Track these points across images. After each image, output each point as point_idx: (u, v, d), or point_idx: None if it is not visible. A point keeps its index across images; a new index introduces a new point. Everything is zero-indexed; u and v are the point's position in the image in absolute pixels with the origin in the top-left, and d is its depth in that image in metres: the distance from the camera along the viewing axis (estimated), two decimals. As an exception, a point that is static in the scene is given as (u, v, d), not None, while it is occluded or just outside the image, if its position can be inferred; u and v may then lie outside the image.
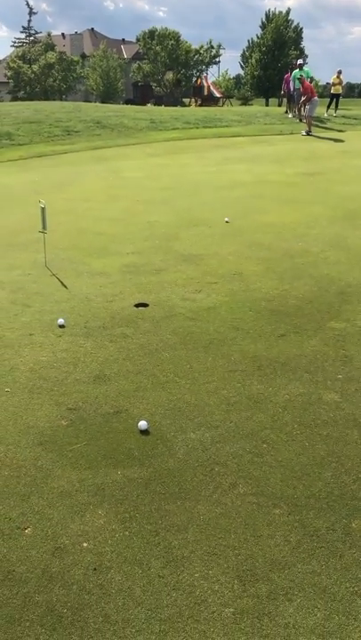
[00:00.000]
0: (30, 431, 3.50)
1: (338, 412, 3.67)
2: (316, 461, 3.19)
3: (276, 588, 2.39)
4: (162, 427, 3.53)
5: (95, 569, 2.50)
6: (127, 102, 50.15)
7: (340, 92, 23.21)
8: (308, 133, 18.96)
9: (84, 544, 2.64)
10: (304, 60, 44.33)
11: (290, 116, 22.20)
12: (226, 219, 7.09)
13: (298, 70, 20.03)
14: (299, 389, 3.93)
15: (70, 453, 3.29)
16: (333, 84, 23.06)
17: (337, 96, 23.12)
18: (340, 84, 23.04)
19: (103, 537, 2.68)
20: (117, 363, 4.34)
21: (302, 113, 20.14)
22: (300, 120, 21.16)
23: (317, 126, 20.11)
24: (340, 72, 22.82)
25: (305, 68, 19.52)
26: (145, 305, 5.47)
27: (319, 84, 54.72)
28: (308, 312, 5.21)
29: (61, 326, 4.99)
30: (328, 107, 23.37)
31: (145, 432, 3.47)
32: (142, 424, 3.49)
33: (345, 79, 24.37)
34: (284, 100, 23.56)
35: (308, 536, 2.66)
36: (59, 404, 3.79)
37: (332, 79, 23.20)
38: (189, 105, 53.74)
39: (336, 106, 23.27)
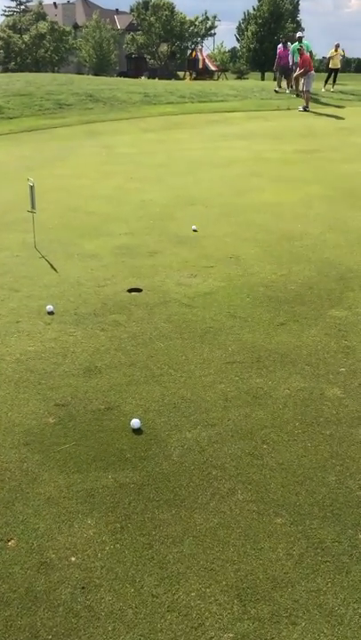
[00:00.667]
0: (15, 429, 3.29)
1: (341, 409, 3.47)
2: (320, 464, 3.01)
3: (278, 609, 2.22)
4: (156, 425, 3.33)
5: (83, 587, 2.32)
6: (120, 75, 49.06)
7: (338, 66, 22.61)
8: (306, 109, 18.51)
9: (72, 558, 2.45)
10: (296, 34, 43.44)
11: (287, 91, 21.60)
12: (193, 227, 6.72)
13: (297, 43, 19.44)
14: (300, 384, 3.74)
15: (58, 455, 3.09)
16: (331, 58, 22.46)
17: (335, 71, 22.56)
18: (338, 58, 22.45)
19: (92, 550, 2.49)
20: (109, 354, 4.12)
21: (299, 88, 19.65)
22: (297, 95, 20.67)
23: (315, 102, 19.65)
24: (337, 46, 22.20)
25: (304, 41, 18.93)
26: (138, 290, 5.23)
27: (315, 58, 53.67)
28: (307, 299, 5.00)
29: (50, 313, 4.75)
30: (326, 82, 22.81)
31: (138, 431, 3.27)
32: (135, 422, 3.29)
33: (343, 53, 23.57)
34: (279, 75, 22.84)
35: (313, 549, 2.48)
36: (46, 400, 3.58)
37: (329, 53, 22.59)
38: (184, 78, 52.75)
39: (334, 81, 22.72)
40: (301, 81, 18.53)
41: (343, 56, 23.16)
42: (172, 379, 3.80)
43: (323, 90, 22.23)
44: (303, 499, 2.77)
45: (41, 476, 2.93)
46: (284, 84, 22.27)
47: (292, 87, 21.45)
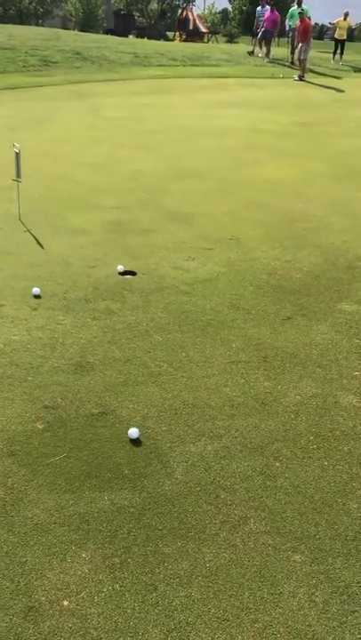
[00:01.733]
0: (-1, 437, 2.93)
1: (358, 420, 3.18)
2: (339, 487, 2.71)
3: (303, 672, 1.94)
4: (156, 435, 2.99)
5: (79, 641, 2.00)
6: (107, 32, 47.07)
7: (345, 37, 21.51)
8: (302, 78, 17.92)
9: (65, 602, 2.13)
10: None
11: (265, 60, 20.61)
12: (119, 267, 4.76)
13: (296, 7, 18.60)
14: (312, 389, 3.42)
15: (47, 469, 2.74)
16: (339, 27, 21.22)
17: (342, 42, 21.48)
18: (345, 27, 21.29)
19: (88, 592, 2.17)
20: (102, 347, 3.75)
21: (296, 56, 18.95)
22: (293, 63, 19.97)
23: (311, 71, 19.01)
24: (346, 14, 21.11)
25: (303, 5, 18.11)
26: (132, 273, 4.84)
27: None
28: (314, 290, 4.66)
29: (37, 296, 4.35)
30: (334, 53, 21.77)
31: (136, 442, 2.93)
32: (133, 432, 2.95)
33: (334, 20, 22.18)
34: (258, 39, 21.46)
35: (338, 594, 2.20)
36: (33, 400, 3.21)
37: (336, 21, 21.41)
38: (174, 39, 50.97)
39: (341, 53, 21.71)
40: (298, 48, 17.82)
41: (352, 27, 22.01)
42: (172, 379, 3.46)
43: (332, 62, 21.32)
44: (323, 531, 2.48)
45: (28, 496, 2.59)
46: (261, 49, 21.03)
47: (290, 57, 20.49)
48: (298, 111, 12.97)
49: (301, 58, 17.78)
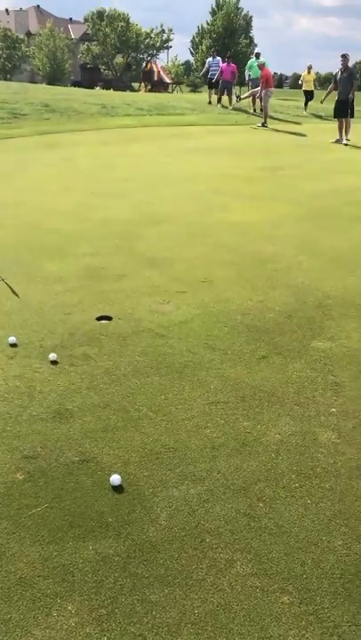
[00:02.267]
0: (-22, 490, 2.88)
1: (338, 457, 3.21)
2: (323, 525, 2.73)
3: None
4: (138, 480, 2.98)
5: None
6: (74, 84, 48.43)
7: (312, 88, 22.69)
8: (264, 125, 18.61)
9: (52, 659, 2.08)
10: (254, 49, 44.30)
11: (229, 107, 21.58)
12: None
13: (255, 59, 19.58)
14: (291, 427, 3.46)
15: (29, 521, 2.70)
16: (305, 81, 22.47)
17: (310, 92, 22.63)
18: (311, 80, 22.54)
19: (75, 647, 2.12)
20: (80, 393, 3.75)
21: (258, 104, 19.75)
22: (255, 111, 20.79)
23: (273, 118, 19.78)
24: (310, 67, 22.34)
25: (262, 58, 19.05)
26: (108, 318, 4.87)
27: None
28: (288, 329, 4.76)
29: (13, 345, 4.34)
30: (305, 104, 22.86)
31: (118, 488, 2.91)
32: (115, 479, 2.93)
33: (293, 70, 23.65)
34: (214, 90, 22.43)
35: (328, 635, 2.19)
36: (13, 451, 3.18)
37: (303, 75, 22.66)
38: (139, 90, 52.61)
39: (308, 101, 22.77)
40: (260, 96, 18.59)
41: (315, 79, 23.24)
42: (152, 423, 3.46)
43: (304, 113, 22.33)
44: (310, 569, 2.48)
45: (11, 550, 2.54)
46: (225, 100, 21.97)
47: (238, 99, 21.43)
48: (263, 156, 13.44)
49: (263, 105, 18.53)
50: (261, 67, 18.22)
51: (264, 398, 3.76)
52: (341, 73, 15.05)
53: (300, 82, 23.20)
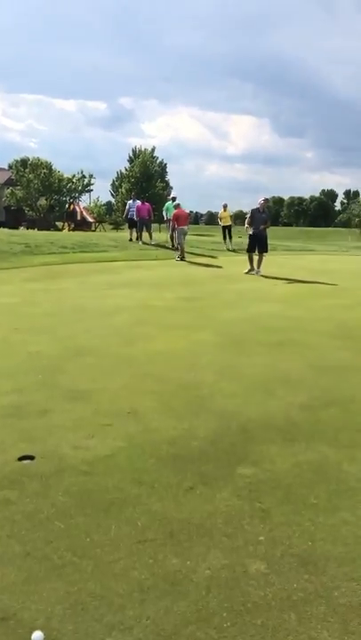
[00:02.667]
0: None
1: (268, 588, 3.15)
2: (258, 667, 2.61)
3: None
4: (62, 636, 2.78)
5: None
6: (-1, 225, 50.13)
7: (230, 223, 25.14)
8: (182, 259, 19.85)
9: None
10: (170, 191, 48.80)
11: (151, 242, 23.65)
12: None
13: (171, 202, 21.54)
14: (220, 560, 3.39)
15: None
16: (221, 218, 25.04)
17: (228, 227, 24.98)
18: (227, 216, 25.02)
19: None
20: (0, 543, 3.54)
21: (175, 240, 21.27)
22: (173, 246, 22.25)
23: (191, 253, 21.15)
24: (225, 206, 24.93)
25: (177, 201, 20.99)
26: (31, 457, 4.74)
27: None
28: (213, 456, 4.79)
29: None
30: (224, 239, 25.14)
31: (41, 647, 2.70)
32: (37, 636, 2.72)
33: (207, 208, 26.67)
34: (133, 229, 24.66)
35: None
36: None
37: (220, 213, 25.20)
38: (62, 229, 55.09)
39: (230, 237, 25.05)
40: (176, 233, 20.13)
41: (231, 215, 25.56)
42: (76, 569, 3.29)
43: (224, 246, 24.57)
44: None
45: None
46: (145, 236, 24.06)
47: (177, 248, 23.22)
48: (182, 287, 14.17)
49: (177, 242, 20.02)
50: (177, 207, 19.97)
51: (192, 532, 3.70)
52: (260, 212, 16.69)
53: (218, 219, 25.50)
